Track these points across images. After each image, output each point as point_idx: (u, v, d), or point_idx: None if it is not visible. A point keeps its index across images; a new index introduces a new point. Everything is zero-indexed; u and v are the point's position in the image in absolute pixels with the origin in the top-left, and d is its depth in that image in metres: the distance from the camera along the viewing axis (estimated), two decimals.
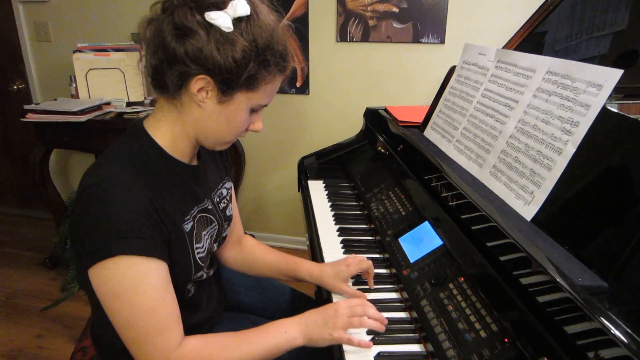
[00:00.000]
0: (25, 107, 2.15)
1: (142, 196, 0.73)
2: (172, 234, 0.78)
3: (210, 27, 0.71)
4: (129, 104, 2.29)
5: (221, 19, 0.70)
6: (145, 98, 2.34)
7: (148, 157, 0.79)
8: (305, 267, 1.07)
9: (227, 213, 1.00)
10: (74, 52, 2.25)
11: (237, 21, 0.72)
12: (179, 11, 0.71)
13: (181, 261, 0.81)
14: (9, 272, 2.45)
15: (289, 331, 0.83)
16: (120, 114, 2.15)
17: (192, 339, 0.79)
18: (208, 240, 0.91)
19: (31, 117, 2.10)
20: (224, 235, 1.00)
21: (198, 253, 0.86)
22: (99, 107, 2.18)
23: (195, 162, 0.90)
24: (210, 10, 0.70)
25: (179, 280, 0.82)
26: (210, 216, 0.92)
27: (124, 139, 0.82)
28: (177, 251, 0.80)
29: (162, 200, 0.76)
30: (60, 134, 2.19)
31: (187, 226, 0.83)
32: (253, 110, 0.81)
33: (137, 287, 0.72)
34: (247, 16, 0.72)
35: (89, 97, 2.30)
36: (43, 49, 2.60)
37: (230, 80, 0.73)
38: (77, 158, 2.82)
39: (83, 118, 2.05)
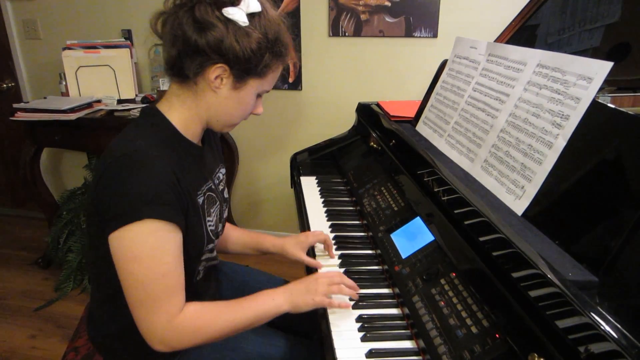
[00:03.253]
0: (15, 105, 2.12)
1: (168, 168, 0.79)
2: (189, 205, 0.85)
3: (229, 22, 0.79)
4: (119, 101, 2.27)
5: (238, 14, 0.78)
6: (136, 95, 2.32)
7: (166, 135, 0.86)
8: (269, 240, 1.19)
9: (225, 195, 1.07)
10: (64, 49, 2.23)
11: (250, 16, 0.80)
12: (199, 7, 0.78)
13: (196, 230, 0.88)
14: (2, 272, 2.43)
15: (276, 299, 0.92)
16: (111, 112, 2.13)
17: (192, 305, 0.85)
18: (215, 218, 0.97)
19: (21, 116, 2.08)
20: (224, 216, 1.06)
21: (209, 225, 0.94)
22: (89, 104, 2.16)
23: (200, 145, 0.97)
24: (227, 7, 0.78)
25: (192, 253, 0.89)
26: (214, 195, 0.98)
27: (141, 120, 0.88)
28: (193, 221, 0.86)
29: (181, 174, 0.83)
30: (50, 133, 2.17)
31: (200, 200, 0.90)
32: (258, 96, 0.91)
33: (156, 250, 0.78)
34: (259, 12, 0.81)
35: (79, 94, 2.27)
36: (32, 46, 2.57)
37: (247, 68, 0.82)
38: (69, 157, 2.80)
39: (73, 116, 2.03)
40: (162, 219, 0.77)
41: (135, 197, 0.75)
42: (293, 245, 1.15)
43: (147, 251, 0.77)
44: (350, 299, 0.96)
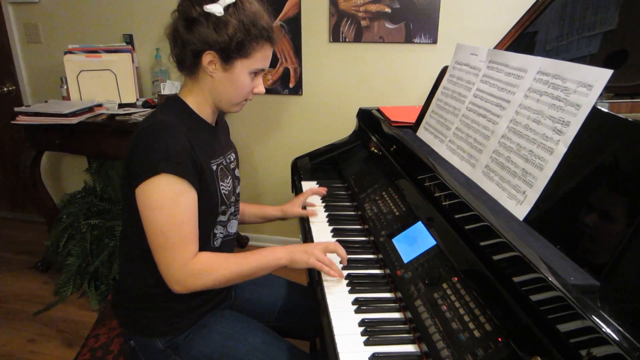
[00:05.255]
0: (16, 109, 2.13)
1: (183, 136, 0.95)
2: (204, 169, 1.00)
3: (208, 15, 0.95)
4: (121, 105, 2.27)
5: (214, 8, 0.94)
6: (137, 99, 2.33)
7: (185, 115, 1.04)
8: (270, 208, 1.43)
9: (236, 174, 1.20)
10: (65, 53, 2.23)
11: (226, 8, 0.95)
12: (186, 8, 0.97)
13: (210, 190, 1.03)
14: (1, 275, 2.42)
15: (277, 253, 1.06)
16: (112, 116, 2.13)
17: (204, 253, 1.00)
18: (229, 187, 1.11)
19: (22, 120, 2.08)
20: (237, 191, 1.20)
21: (223, 190, 1.08)
22: (90, 109, 2.16)
23: (214, 125, 1.12)
24: (207, 4, 0.94)
25: (207, 212, 1.03)
26: (226, 170, 1.12)
27: (165, 104, 1.06)
28: (208, 181, 1.01)
29: (195, 143, 0.98)
30: (51, 137, 2.17)
31: (214, 167, 1.06)
32: (255, 75, 1.04)
33: (172, 201, 0.93)
34: (234, 3, 0.96)
35: (81, 99, 2.28)
36: (33, 50, 2.58)
37: (230, 51, 0.97)
38: (69, 160, 2.80)
39: (74, 120, 2.04)
40: (177, 175, 0.93)
41: (155, 156, 0.92)
42: (290, 205, 1.41)
43: (166, 201, 0.93)
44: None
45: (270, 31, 1.01)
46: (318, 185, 1.64)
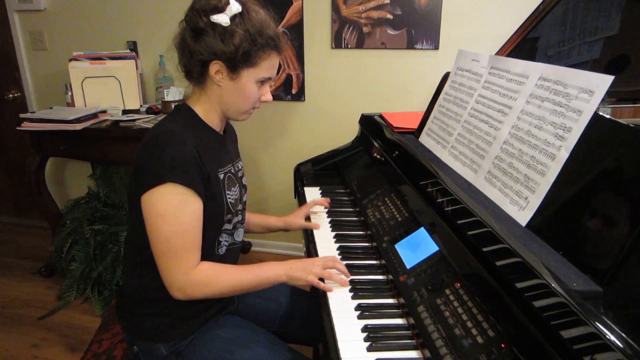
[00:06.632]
0: (21, 115, 2.15)
1: (191, 144, 0.96)
2: (211, 178, 1.01)
3: (215, 25, 0.96)
4: (125, 111, 2.29)
5: (221, 18, 0.95)
6: (141, 106, 2.34)
7: (193, 123, 1.05)
8: (273, 219, 1.43)
9: (243, 182, 1.21)
10: (70, 60, 2.26)
11: (233, 18, 0.96)
12: (193, 18, 0.98)
13: (217, 198, 1.04)
14: (5, 280, 2.43)
15: (277, 269, 1.07)
16: (116, 122, 2.15)
17: (206, 263, 1.02)
18: (235, 196, 1.11)
19: (27, 126, 2.10)
20: (244, 199, 1.20)
21: (229, 198, 1.08)
22: (94, 115, 2.18)
23: (222, 134, 1.14)
24: (213, 14, 0.95)
25: (213, 220, 1.04)
26: (234, 178, 1.13)
27: (174, 112, 1.08)
28: (214, 189, 1.02)
29: (202, 151, 0.99)
30: (56, 143, 2.19)
31: (221, 176, 1.07)
32: (262, 84, 1.05)
33: (177, 210, 0.94)
34: (240, 13, 0.97)
35: (85, 105, 2.30)
36: (39, 57, 2.60)
37: (237, 61, 0.98)
38: (73, 166, 2.82)
39: (79, 126, 2.05)
40: (182, 184, 0.93)
41: (162, 165, 0.92)
42: (293, 216, 1.41)
43: (170, 210, 0.93)
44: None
45: (276, 40, 1.01)
46: (320, 192, 1.64)
